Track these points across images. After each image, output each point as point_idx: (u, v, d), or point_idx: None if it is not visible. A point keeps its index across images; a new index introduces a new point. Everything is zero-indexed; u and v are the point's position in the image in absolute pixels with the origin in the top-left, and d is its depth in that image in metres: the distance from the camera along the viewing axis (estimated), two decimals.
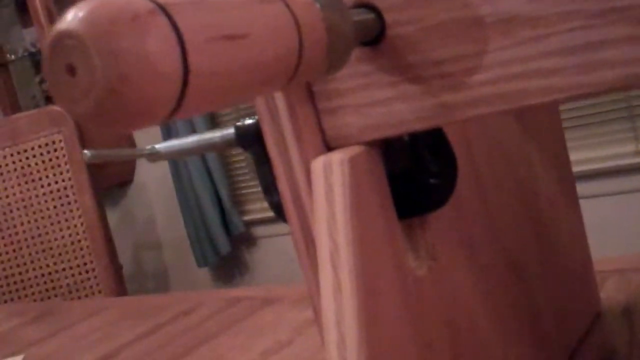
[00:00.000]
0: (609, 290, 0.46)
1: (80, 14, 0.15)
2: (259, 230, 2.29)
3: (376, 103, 0.25)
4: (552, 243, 0.39)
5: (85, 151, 0.30)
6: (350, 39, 0.22)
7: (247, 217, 2.28)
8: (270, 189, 0.30)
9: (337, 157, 0.25)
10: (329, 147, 0.26)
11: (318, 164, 0.25)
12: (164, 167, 2.31)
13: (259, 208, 2.25)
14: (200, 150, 0.31)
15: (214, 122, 2.22)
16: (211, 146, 0.31)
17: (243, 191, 2.30)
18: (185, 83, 0.16)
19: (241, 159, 2.28)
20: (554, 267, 0.38)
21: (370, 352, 0.24)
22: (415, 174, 0.27)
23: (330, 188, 0.25)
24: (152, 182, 2.46)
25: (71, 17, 0.15)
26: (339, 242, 0.24)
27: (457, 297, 0.30)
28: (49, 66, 0.15)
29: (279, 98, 0.26)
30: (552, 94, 0.22)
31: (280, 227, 2.13)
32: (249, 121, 0.30)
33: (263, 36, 0.18)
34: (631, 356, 0.37)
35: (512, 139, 0.34)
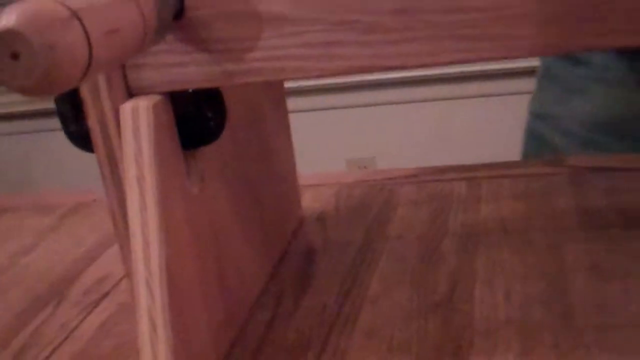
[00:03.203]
0: (307, 201, 0.58)
1: (22, 17, 0.22)
2: None
3: (173, 65, 0.33)
4: (273, 163, 0.50)
5: None
6: (168, 22, 0.30)
7: None
8: (67, 120, 0.37)
9: (144, 104, 0.33)
10: (130, 94, 0.34)
11: (127, 108, 0.33)
12: None
13: None
14: None
15: None
16: None
17: None
18: (89, 61, 0.23)
19: None
20: (274, 184, 0.50)
21: (168, 252, 0.33)
22: (194, 117, 0.36)
23: (137, 127, 0.33)
24: None
25: (14, 18, 0.22)
26: (144, 171, 0.33)
27: (218, 209, 0.39)
28: None
29: None
30: (301, 73, 0.32)
31: None
32: None
33: (126, 29, 0.26)
34: (326, 251, 0.50)
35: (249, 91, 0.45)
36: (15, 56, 0.22)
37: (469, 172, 0.59)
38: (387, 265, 0.46)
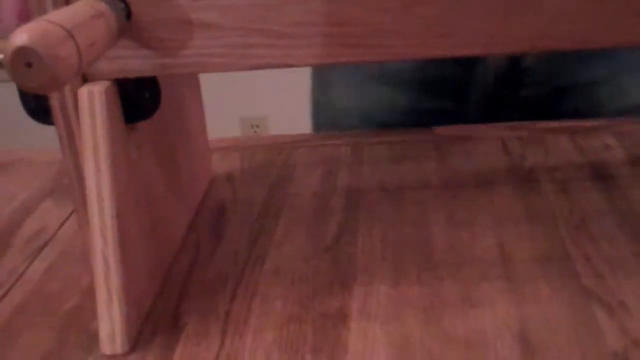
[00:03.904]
0: (215, 163, 0.67)
1: (33, 36, 0.30)
2: None
3: (120, 57, 0.41)
4: (189, 132, 0.59)
5: None
6: (124, 27, 0.38)
7: None
8: (27, 98, 0.44)
9: (98, 88, 0.41)
10: (85, 80, 0.42)
11: (84, 91, 0.41)
12: None
13: None
14: None
15: None
16: None
17: None
18: (80, 66, 0.32)
19: None
20: (190, 150, 0.58)
21: (119, 205, 0.42)
22: (135, 98, 0.44)
23: (92, 107, 0.41)
24: None
25: (26, 37, 0.30)
26: (98, 142, 0.41)
27: (149, 172, 0.48)
28: (12, 61, 0.30)
29: None
30: (223, 67, 0.41)
31: None
32: None
33: (102, 40, 0.34)
34: (235, 206, 0.60)
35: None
36: (29, 65, 0.30)
37: (353, 139, 0.70)
38: (288, 217, 0.56)
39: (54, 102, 0.42)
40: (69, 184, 0.44)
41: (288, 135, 0.72)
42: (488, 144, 0.66)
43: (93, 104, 0.41)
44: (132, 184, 0.45)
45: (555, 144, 0.65)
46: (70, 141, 0.43)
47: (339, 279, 0.48)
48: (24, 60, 0.30)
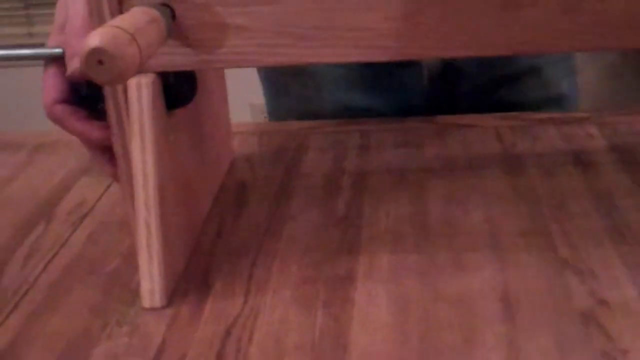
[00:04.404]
0: (235, 145, 0.74)
1: (104, 39, 0.37)
2: None
3: (165, 54, 0.48)
4: (215, 116, 0.66)
5: None
6: (170, 26, 0.45)
7: None
8: (80, 87, 0.51)
9: (145, 80, 0.48)
10: None
11: (132, 83, 0.48)
12: None
13: None
14: (29, 58, 0.51)
15: None
16: (39, 56, 0.51)
17: None
18: (140, 63, 0.39)
19: None
20: (215, 132, 0.65)
21: (160, 180, 0.49)
22: (176, 88, 0.51)
23: (140, 96, 0.48)
24: None
25: (98, 39, 0.37)
26: (145, 126, 0.48)
27: (183, 152, 0.55)
28: (86, 60, 0.37)
29: None
30: (253, 63, 0.48)
31: None
32: None
33: (155, 41, 0.41)
34: (254, 183, 0.67)
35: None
36: (101, 63, 0.37)
37: (361, 125, 0.77)
38: (301, 194, 0.64)
39: (107, 91, 0.49)
40: (118, 163, 0.51)
41: (302, 122, 0.79)
42: (483, 131, 0.73)
43: (141, 93, 0.48)
44: (170, 162, 0.52)
45: (543, 132, 0.72)
46: (119, 125, 0.50)
47: (347, 247, 0.55)
48: (96, 59, 0.37)
